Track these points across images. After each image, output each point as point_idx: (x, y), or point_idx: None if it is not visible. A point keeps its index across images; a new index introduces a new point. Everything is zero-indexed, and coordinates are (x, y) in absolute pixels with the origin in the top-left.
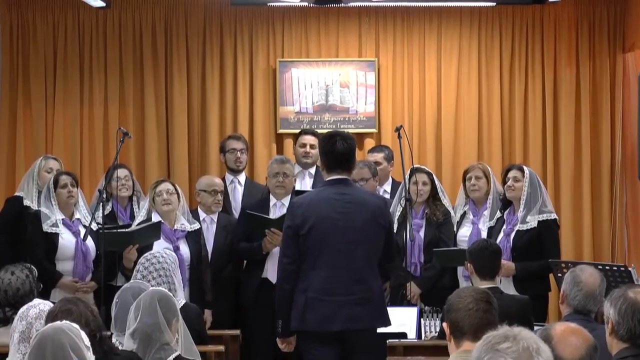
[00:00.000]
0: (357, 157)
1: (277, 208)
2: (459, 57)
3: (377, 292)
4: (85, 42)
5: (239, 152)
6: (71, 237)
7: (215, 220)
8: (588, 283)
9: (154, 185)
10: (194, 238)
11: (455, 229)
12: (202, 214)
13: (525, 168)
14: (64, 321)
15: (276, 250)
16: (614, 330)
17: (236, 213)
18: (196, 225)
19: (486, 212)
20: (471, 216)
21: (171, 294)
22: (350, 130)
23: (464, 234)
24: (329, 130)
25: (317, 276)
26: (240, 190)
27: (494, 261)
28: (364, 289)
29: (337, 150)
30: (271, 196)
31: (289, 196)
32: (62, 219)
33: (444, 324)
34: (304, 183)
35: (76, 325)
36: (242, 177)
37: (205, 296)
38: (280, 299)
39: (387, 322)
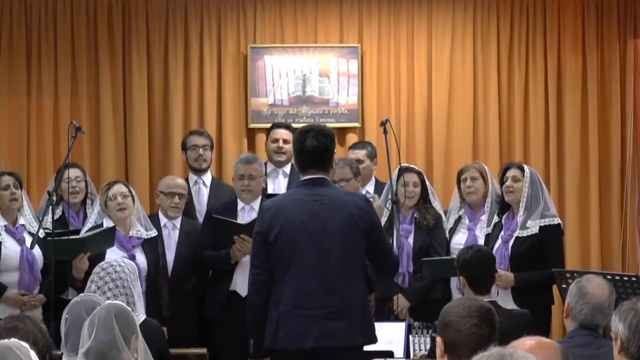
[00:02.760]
0: (337, 154)
1: (246, 212)
2: (452, 43)
3: (357, 304)
4: (33, 26)
5: (201, 149)
6: (15, 245)
7: (178, 226)
8: (595, 295)
9: (105, 187)
10: (151, 246)
11: (447, 234)
12: (162, 219)
13: (525, 167)
14: (11, 339)
15: (246, 260)
16: (624, 348)
17: (201, 218)
18: (153, 232)
19: (483, 217)
20: (467, 221)
21: (130, 308)
22: (331, 125)
23: (459, 241)
24: (306, 124)
25: (288, 288)
26: (205, 192)
27: (489, 272)
28: (340, 301)
29: (307, 148)
30: (239, 199)
31: (259, 199)
32: (4, 226)
33: (438, 340)
34: (278, 183)
35: (25, 344)
36: (208, 178)
37: (162, 312)
38: (251, 314)
39: (370, 338)
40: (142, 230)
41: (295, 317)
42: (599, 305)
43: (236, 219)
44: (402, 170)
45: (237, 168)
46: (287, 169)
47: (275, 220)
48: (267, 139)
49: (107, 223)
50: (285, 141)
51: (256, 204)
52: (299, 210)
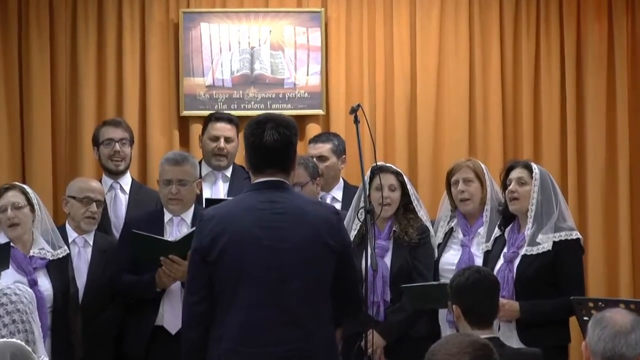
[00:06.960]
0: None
1: (175, 225)
2: (442, 6)
3: (322, 341)
4: None
5: (117, 144)
6: None
7: (91, 242)
8: (615, 318)
9: None
10: (59, 268)
11: (436, 253)
12: (71, 234)
13: (534, 166)
14: None
15: (176, 287)
16: None
17: (117, 233)
18: (62, 252)
19: (481, 230)
20: (460, 235)
21: (29, 348)
22: (287, 112)
23: (450, 260)
24: (255, 112)
25: (234, 320)
26: (123, 199)
27: (491, 300)
28: (302, 337)
29: (266, 143)
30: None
31: (192, 209)
32: None
33: None
34: (216, 190)
35: None
36: (127, 181)
37: (74, 352)
38: (187, 353)
39: None
40: (46, 248)
41: (243, 356)
42: (620, 328)
43: (162, 234)
44: (376, 170)
45: (162, 170)
46: (228, 172)
47: (218, 233)
48: (202, 133)
49: (3, 239)
50: (227, 139)
51: (188, 216)
52: (250, 221)
